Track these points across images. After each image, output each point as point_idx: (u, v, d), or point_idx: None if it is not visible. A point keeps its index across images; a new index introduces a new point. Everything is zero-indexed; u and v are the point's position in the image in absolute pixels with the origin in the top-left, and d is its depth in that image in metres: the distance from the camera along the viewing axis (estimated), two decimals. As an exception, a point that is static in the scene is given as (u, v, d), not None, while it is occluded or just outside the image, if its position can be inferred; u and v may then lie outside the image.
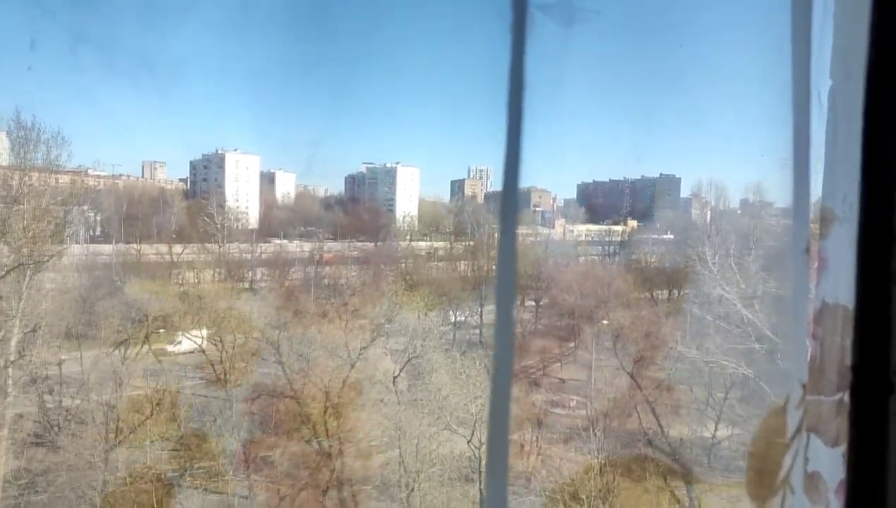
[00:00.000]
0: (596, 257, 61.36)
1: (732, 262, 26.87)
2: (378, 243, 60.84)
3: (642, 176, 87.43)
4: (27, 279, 23.96)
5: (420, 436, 25.95)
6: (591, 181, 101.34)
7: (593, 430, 27.18)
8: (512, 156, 1.07)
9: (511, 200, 1.12)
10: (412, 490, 25.04)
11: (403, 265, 52.64)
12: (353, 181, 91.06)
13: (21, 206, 25.89)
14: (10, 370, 22.25)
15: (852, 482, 1.28)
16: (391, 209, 78.61)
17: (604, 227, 72.20)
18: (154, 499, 23.05)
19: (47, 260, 26.54)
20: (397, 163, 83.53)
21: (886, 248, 1.25)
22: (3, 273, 23.81)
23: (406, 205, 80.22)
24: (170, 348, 34.53)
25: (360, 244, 60.75)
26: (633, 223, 73.09)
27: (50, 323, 24.65)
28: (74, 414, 24.26)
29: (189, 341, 33.75)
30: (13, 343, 22.77)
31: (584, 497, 23.31)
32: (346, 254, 55.94)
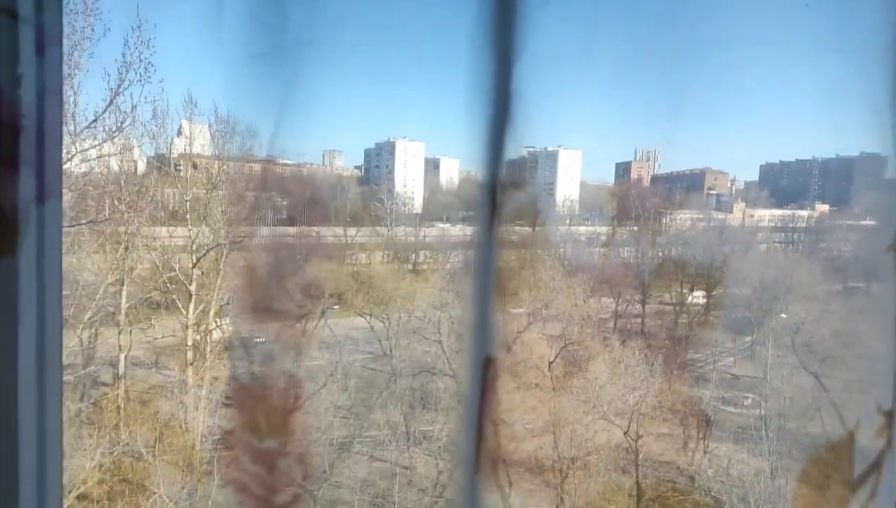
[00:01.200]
0: (778, 244, 56.19)
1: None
2: (537, 228, 60.64)
3: (837, 155, 78.14)
4: (224, 257, 26.94)
5: (575, 423, 25.70)
6: (776, 162, 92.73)
7: (766, 431, 25.19)
8: (494, 144, 1.08)
9: (490, 189, 1.12)
10: (566, 476, 24.91)
11: (562, 250, 51.93)
12: (514, 166, 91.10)
13: (219, 192, 29.01)
14: (208, 337, 25.37)
15: None
16: (552, 193, 77.63)
17: (788, 212, 65.71)
18: (326, 463, 25.10)
19: (241, 241, 29.60)
20: (559, 146, 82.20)
21: None
22: (205, 251, 27.00)
23: (567, 189, 78.74)
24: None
25: (518, 228, 60.93)
26: (822, 207, 65.75)
27: (241, 297, 27.51)
28: (259, 380, 27.04)
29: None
30: (212, 314, 25.89)
31: (752, 500, 21.75)
32: (505, 238, 56.28)
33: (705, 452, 29.21)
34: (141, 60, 22.17)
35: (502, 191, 1.30)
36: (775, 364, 31.40)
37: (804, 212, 64.38)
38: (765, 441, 24.39)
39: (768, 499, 21.65)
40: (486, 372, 1.32)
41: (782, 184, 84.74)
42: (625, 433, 25.57)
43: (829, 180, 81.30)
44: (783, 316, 33.73)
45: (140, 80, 22.49)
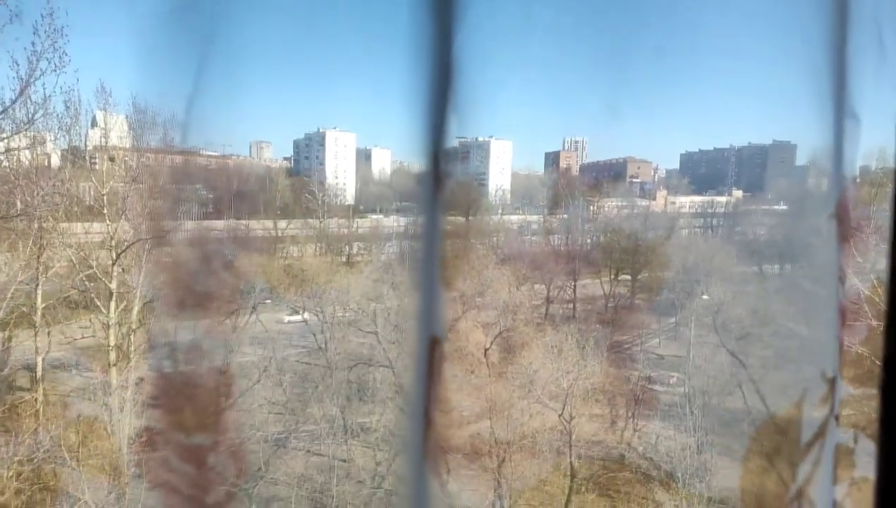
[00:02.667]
0: (698, 229, 58.76)
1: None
2: (469, 217, 61.19)
3: (749, 143, 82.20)
4: (145, 253, 25.77)
5: (511, 408, 26.13)
6: (696, 150, 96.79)
7: (691, 408, 26.35)
8: (437, 119, 1.06)
9: (433, 164, 1.11)
10: (503, 460, 25.32)
11: (495, 239, 52.58)
12: (446, 155, 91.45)
13: (139, 185, 27.68)
14: (132, 337, 24.31)
15: (882, 486, 1.10)
16: (483, 183, 78.44)
17: (707, 198, 68.81)
18: (261, 460, 24.56)
19: (164, 236, 28.34)
20: (490, 136, 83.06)
21: None
22: (125, 247, 25.82)
23: (498, 179, 79.80)
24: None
25: (452, 218, 61.17)
26: (738, 193, 69.16)
27: (166, 294, 26.47)
28: (189, 379, 26.15)
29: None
30: (134, 312, 24.82)
31: (679, 475, 22.75)
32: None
33: (635, 430, 30.32)
34: (55, 49, 20.77)
35: (445, 166, 1.25)
36: (697, 343, 32.90)
37: (722, 198, 67.54)
38: (689, 417, 25.48)
39: (695, 473, 22.67)
40: (431, 354, 1.28)
41: (701, 172, 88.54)
42: (559, 415, 26.19)
43: (744, 167, 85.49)
44: (705, 297, 35.34)
45: (55, 70, 21.07)
